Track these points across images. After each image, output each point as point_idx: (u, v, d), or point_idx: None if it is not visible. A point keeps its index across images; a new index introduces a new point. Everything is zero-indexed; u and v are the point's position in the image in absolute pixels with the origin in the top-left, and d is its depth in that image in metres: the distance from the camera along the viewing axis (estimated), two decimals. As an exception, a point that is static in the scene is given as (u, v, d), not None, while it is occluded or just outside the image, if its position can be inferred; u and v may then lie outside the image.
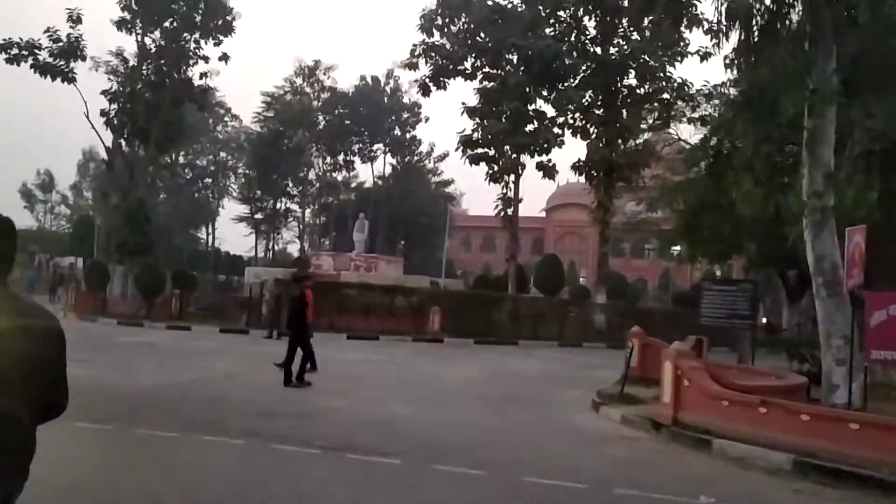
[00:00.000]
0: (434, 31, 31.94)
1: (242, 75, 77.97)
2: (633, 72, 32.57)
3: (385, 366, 19.30)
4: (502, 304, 30.04)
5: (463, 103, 32.08)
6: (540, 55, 29.70)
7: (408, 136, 70.16)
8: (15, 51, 37.61)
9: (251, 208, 73.73)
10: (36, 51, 37.86)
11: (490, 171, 32.48)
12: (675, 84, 31.73)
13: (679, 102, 32.16)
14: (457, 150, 32.15)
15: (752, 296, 17.51)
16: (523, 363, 21.73)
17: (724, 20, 11.59)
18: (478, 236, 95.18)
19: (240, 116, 70.71)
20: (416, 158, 71.62)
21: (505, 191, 33.12)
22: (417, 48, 32.45)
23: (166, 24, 39.89)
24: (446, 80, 32.77)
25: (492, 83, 32.26)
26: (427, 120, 68.81)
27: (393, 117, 68.79)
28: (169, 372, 15.67)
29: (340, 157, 69.59)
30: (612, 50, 32.65)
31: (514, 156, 32.12)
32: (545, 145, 31.54)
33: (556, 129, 32.53)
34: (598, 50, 32.93)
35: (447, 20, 31.89)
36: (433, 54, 32.29)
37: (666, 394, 10.95)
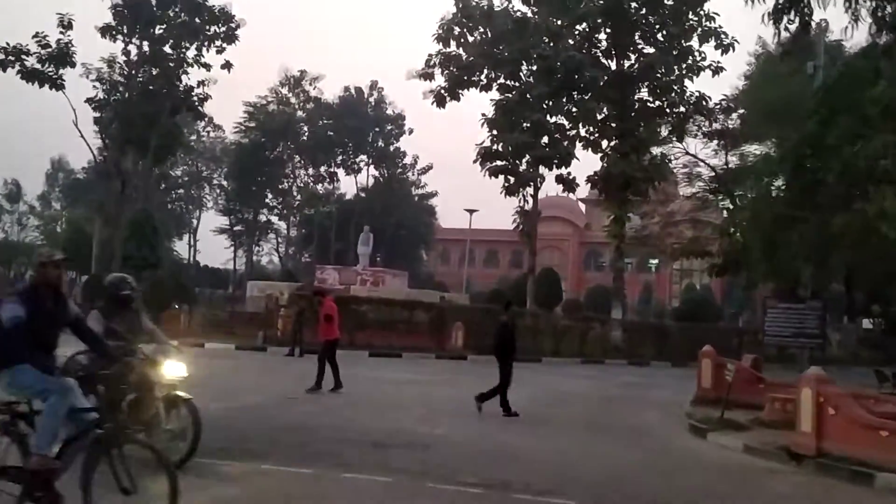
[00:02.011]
0: (451, 41, 31.39)
1: (220, 84, 76.48)
2: (647, 85, 32.38)
3: (435, 386, 18.55)
4: (523, 320, 29.39)
5: (483, 114, 31.60)
6: (563, 66, 29.31)
7: (391, 147, 69.46)
8: (1, 56, 36.34)
9: (230, 220, 72.25)
10: (23, 56, 36.64)
11: (507, 184, 31.94)
12: (693, 98, 31.61)
13: (696, 116, 32.16)
14: (475, 161, 31.61)
15: (821, 314, 17.24)
16: (569, 383, 21.12)
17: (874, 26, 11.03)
18: (456, 249, 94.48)
19: (222, 126, 69.06)
20: (398, 171, 70.85)
21: (522, 204, 32.66)
22: (433, 58, 31.88)
23: (158, 30, 38.84)
24: (462, 90, 32.20)
25: (508, 94, 31.73)
26: (411, 132, 68.26)
27: (377, 128, 68.09)
28: (230, 394, 14.75)
29: (322, 169, 68.62)
30: (627, 63, 32.44)
31: (533, 168, 31.60)
32: (567, 157, 31.15)
33: (566, 143, 32.10)
34: (613, 63, 32.70)
35: (465, 30, 31.34)
36: (449, 65, 31.69)
37: (805, 422, 10.38)
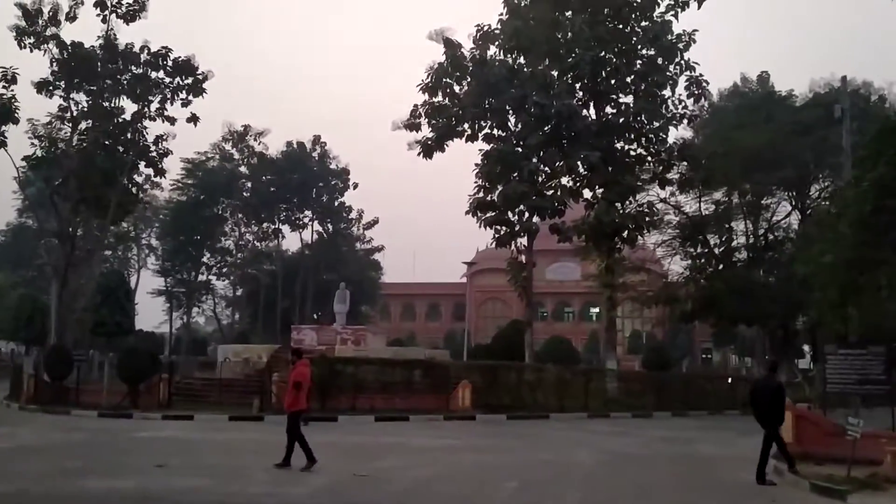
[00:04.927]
0: (438, 91, 30.66)
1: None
2: (628, 134, 32.33)
3: (485, 453, 17.22)
4: (524, 375, 28.30)
5: (476, 164, 30.80)
6: (557, 114, 28.85)
7: (336, 202, 68.12)
8: (-63, 112, 33.84)
9: (167, 281, 69.06)
10: (-39, 113, 34.17)
11: (497, 235, 31.08)
12: (677, 146, 31.70)
13: (680, 163, 32.22)
14: (467, 213, 30.65)
15: (886, 359, 16.67)
16: (609, 442, 20.05)
17: None
18: (397, 304, 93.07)
19: (160, 184, 66.25)
20: (343, 225, 69.39)
21: (515, 254, 31.82)
22: (419, 108, 31.06)
23: (105, 84, 36.52)
24: (448, 141, 31.42)
25: (496, 144, 31.05)
26: (356, 186, 67.05)
27: (321, 183, 66.72)
28: (287, 477, 13.15)
29: (266, 225, 66.75)
30: (609, 112, 32.39)
31: (528, 218, 30.79)
32: (561, 207, 30.59)
33: (557, 192, 31.58)
34: (592, 112, 32.60)
35: (452, 80, 30.69)
36: (436, 115, 30.88)
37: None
